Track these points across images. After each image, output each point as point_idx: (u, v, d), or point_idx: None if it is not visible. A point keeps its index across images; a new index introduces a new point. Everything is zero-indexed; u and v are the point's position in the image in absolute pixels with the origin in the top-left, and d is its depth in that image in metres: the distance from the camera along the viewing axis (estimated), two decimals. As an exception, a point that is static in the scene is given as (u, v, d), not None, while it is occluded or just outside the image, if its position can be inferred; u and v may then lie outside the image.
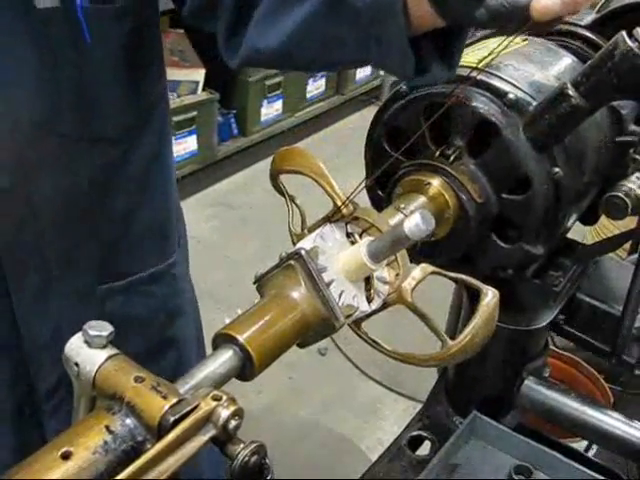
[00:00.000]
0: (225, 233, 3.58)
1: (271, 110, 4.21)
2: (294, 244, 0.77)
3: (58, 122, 0.99)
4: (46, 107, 0.97)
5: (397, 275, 0.77)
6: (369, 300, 0.76)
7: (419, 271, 0.77)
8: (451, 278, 0.77)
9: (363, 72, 4.94)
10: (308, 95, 4.52)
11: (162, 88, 1.15)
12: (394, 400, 2.72)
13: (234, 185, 4.06)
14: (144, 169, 1.12)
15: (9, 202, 1.01)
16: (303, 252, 0.71)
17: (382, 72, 5.05)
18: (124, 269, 1.16)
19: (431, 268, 0.77)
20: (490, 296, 0.75)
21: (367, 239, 0.75)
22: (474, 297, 1.00)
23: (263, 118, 4.18)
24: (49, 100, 0.97)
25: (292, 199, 0.83)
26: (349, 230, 0.78)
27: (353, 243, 0.77)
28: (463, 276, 0.76)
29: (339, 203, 0.77)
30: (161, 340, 1.26)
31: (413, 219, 0.68)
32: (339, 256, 0.74)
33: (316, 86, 4.55)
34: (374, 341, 0.76)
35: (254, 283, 0.74)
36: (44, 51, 0.94)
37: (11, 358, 1.11)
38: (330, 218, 0.78)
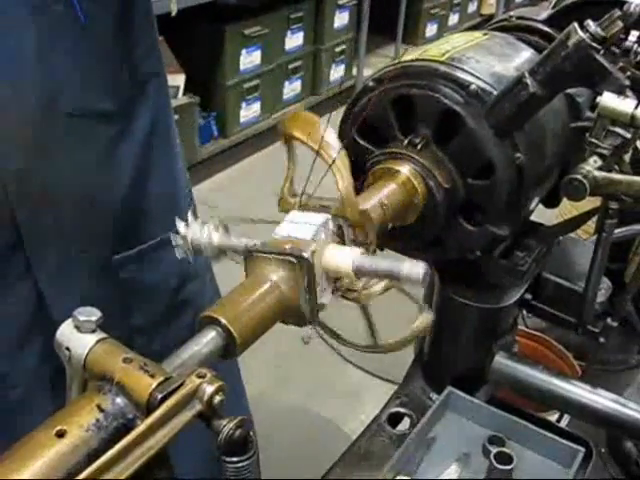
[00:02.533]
0: (209, 231, 3.58)
1: (249, 112, 4.21)
2: (281, 206, 0.77)
3: (60, 100, 1.00)
4: (48, 86, 0.99)
5: None
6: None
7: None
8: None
9: (337, 73, 4.94)
10: (284, 96, 4.52)
11: (155, 62, 1.16)
12: (375, 384, 2.73)
13: (216, 185, 4.05)
14: (145, 142, 1.14)
15: (25, 183, 1.03)
16: (308, 257, 0.71)
17: (355, 73, 5.07)
18: (135, 238, 1.18)
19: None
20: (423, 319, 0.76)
21: (359, 251, 0.74)
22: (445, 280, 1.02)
23: (242, 120, 4.18)
24: (50, 79, 0.99)
25: (293, 161, 0.83)
26: (339, 222, 0.79)
27: (340, 236, 0.77)
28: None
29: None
30: (174, 303, 1.28)
31: (416, 266, 0.68)
32: (325, 251, 0.74)
33: (292, 88, 4.55)
34: (334, 333, 0.77)
35: (243, 255, 0.74)
36: (43, 32, 0.96)
37: (42, 332, 1.12)
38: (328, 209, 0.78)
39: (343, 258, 0.73)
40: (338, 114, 0.98)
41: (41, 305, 1.11)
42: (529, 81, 0.84)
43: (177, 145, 1.26)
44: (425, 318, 0.78)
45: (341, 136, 1.01)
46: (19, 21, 0.94)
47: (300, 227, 0.74)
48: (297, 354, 2.86)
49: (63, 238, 1.09)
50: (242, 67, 4.04)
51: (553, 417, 1.22)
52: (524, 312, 1.17)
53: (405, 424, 1.11)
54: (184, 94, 3.69)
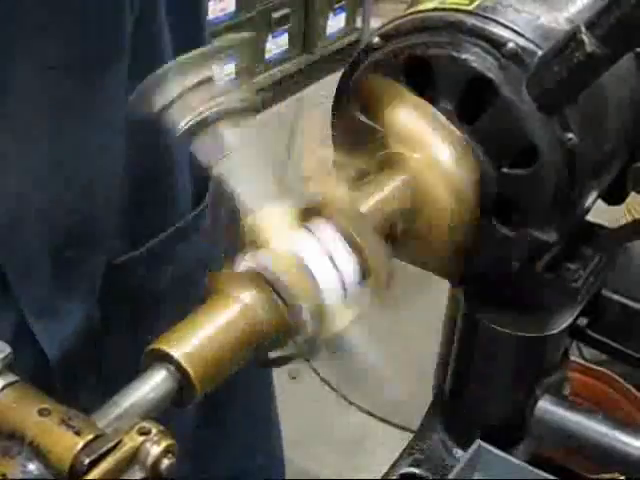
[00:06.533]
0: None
1: (221, 76, 4.20)
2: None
3: None
4: None
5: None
6: None
7: None
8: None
9: (336, 24, 4.94)
10: (267, 55, 4.53)
11: None
12: (383, 431, 2.74)
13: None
14: None
15: None
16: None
17: (359, 24, 5.07)
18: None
19: None
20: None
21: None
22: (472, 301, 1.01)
23: (211, 85, 4.18)
24: None
25: None
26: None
27: None
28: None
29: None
30: None
31: None
32: None
33: (277, 43, 4.56)
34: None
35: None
36: None
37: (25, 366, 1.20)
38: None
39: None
40: (335, 80, 0.98)
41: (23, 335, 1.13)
42: (586, 37, 0.83)
43: None
44: None
45: (337, 111, 1.00)
46: None
47: (314, 251, 0.74)
48: (280, 391, 2.85)
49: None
50: (211, 15, 4.04)
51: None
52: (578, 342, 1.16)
53: (421, 488, 1.10)
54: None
